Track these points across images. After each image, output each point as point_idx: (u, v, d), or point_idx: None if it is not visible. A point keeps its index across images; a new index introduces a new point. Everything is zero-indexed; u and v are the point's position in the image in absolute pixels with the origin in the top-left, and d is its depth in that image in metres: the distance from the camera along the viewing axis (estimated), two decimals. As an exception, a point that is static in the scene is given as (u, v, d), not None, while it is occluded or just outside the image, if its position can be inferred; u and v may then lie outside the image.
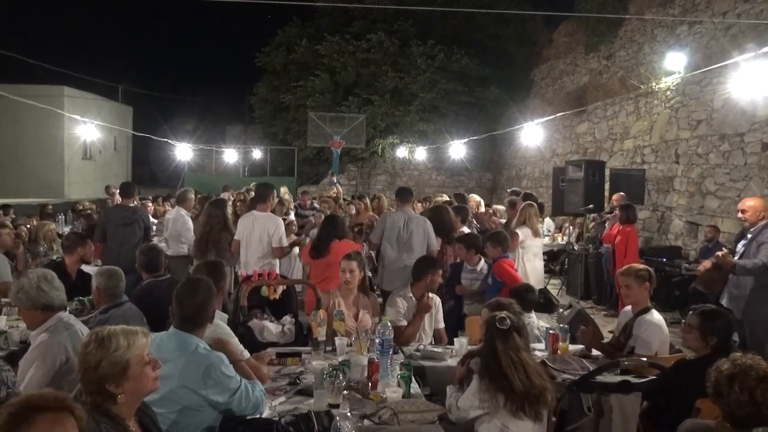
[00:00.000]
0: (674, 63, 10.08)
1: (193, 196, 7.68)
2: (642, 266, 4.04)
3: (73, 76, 22.35)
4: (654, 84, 10.86)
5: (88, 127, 16.64)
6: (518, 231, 6.30)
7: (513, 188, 8.72)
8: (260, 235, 5.77)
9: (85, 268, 5.31)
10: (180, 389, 2.45)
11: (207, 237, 6.17)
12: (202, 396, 2.49)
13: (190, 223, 7.19)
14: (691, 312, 3.39)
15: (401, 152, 19.97)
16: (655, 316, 3.86)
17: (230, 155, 23.57)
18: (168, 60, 42.89)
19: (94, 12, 39.42)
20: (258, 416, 2.73)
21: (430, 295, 4.48)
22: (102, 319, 3.42)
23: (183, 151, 19.52)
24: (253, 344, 3.63)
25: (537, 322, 4.47)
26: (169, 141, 18.91)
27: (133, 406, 2.08)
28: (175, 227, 7.18)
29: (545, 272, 11.31)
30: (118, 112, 26.27)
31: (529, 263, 6.33)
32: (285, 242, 5.99)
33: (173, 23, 46.02)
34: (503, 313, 2.89)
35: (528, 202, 6.72)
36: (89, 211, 10.21)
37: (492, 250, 5.32)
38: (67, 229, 9.34)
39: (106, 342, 2.00)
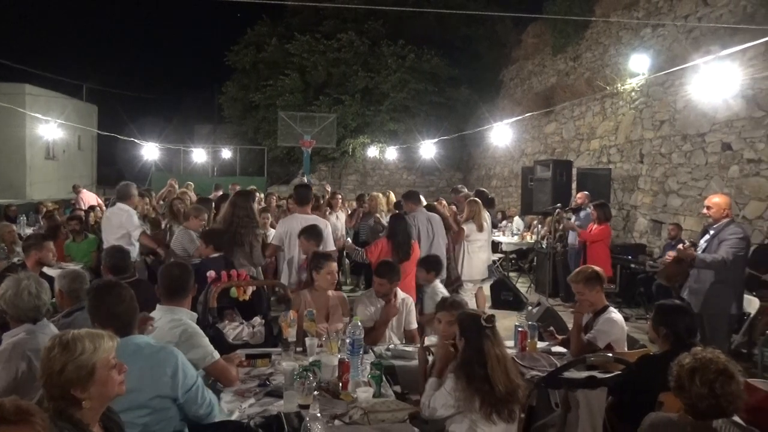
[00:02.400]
0: (638, 65, 10.29)
1: (135, 191, 6.74)
2: (590, 269, 3.99)
3: (36, 73, 21.84)
4: (619, 85, 11.09)
5: (50, 126, 16.25)
6: (464, 226, 6.94)
7: (456, 186, 8.87)
8: None
9: (47, 270, 5.18)
10: (140, 395, 2.40)
11: (230, 233, 5.44)
12: (165, 396, 2.46)
13: (130, 220, 6.30)
14: (656, 307, 3.48)
15: (372, 152, 19.97)
16: (613, 314, 3.92)
17: (199, 155, 23.24)
18: (134, 58, 42.21)
19: (57, 8, 38.47)
20: (227, 419, 2.70)
21: (403, 296, 4.48)
22: (65, 323, 3.34)
23: (150, 151, 19.17)
24: (223, 346, 3.58)
25: (442, 288, 4.94)
26: (136, 140, 18.53)
27: (98, 412, 2.03)
28: (108, 226, 6.25)
29: (515, 270, 11.57)
30: (83, 110, 25.67)
31: (474, 254, 6.95)
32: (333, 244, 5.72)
33: (139, 20, 45.19)
34: (487, 312, 2.92)
35: (473, 198, 7.29)
36: (52, 212, 9.97)
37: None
38: (29, 231, 9.10)
39: (71, 345, 1.95)
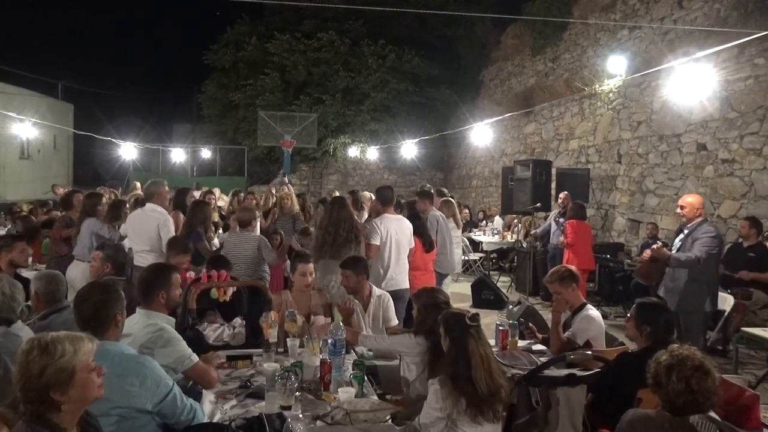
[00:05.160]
0: (616, 66, 10.41)
1: (166, 189, 6.02)
2: (564, 269, 4.06)
3: (9, 71, 21.39)
4: (597, 86, 11.22)
5: (25, 126, 15.92)
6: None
7: (424, 186, 8.89)
8: (399, 239, 5.48)
9: (23, 272, 5.09)
10: (102, 404, 2.29)
11: (332, 240, 5.28)
12: (131, 407, 2.41)
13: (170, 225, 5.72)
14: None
15: (353, 152, 19.95)
16: (591, 311, 3.97)
17: (178, 154, 23.00)
18: (111, 56, 41.44)
19: (31, 4, 37.73)
20: (208, 421, 2.68)
21: (379, 294, 4.46)
22: (41, 326, 3.29)
23: (128, 151, 18.93)
24: (202, 348, 3.55)
25: None
26: (113, 140, 18.27)
27: (76, 415, 2.00)
28: (164, 233, 5.53)
29: (495, 269, 11.67)
30: (58, 109, 25.25)
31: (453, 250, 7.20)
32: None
33: (116, 18, 44.49)
34: (471, 310, 2.92)
35: (448, 198, 7.81)
36: (26, 213, 9.78)
37: None
38: (3, 232, 8.91)
39: (51, 348, 1.91)
